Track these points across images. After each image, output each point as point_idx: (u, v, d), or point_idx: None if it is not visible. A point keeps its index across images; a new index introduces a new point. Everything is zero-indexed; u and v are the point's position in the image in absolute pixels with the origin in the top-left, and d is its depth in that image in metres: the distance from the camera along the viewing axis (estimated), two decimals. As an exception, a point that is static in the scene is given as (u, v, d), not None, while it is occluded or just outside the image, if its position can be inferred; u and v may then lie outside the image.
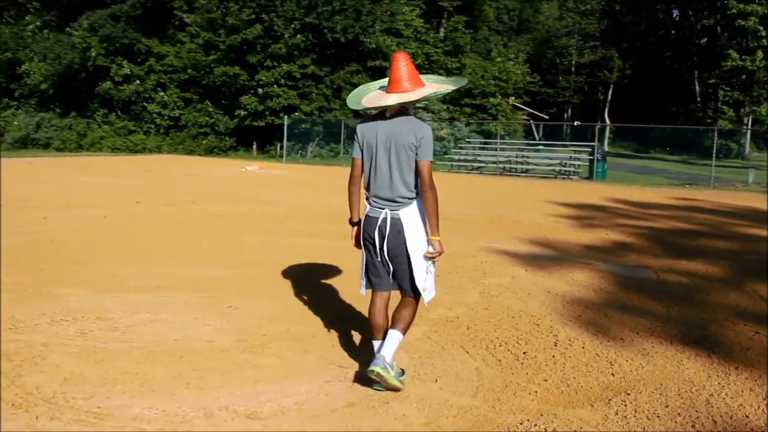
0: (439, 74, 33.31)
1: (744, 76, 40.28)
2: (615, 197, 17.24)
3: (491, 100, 38.87)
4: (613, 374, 4.37)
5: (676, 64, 56.22)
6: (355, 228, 4.20)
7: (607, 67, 56.22)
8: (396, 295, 4.17)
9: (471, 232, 10.41)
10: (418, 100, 3.94)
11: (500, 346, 4.90)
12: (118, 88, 34.75)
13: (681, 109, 57.40)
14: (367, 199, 4.04)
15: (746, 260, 8.65)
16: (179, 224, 10.41)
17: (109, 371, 4.14)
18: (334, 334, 5.03)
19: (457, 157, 29.14)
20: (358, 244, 4.20)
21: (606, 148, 35.79)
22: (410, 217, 3.94)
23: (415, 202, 3.96)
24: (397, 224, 3.92)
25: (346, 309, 5.77)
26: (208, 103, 34.44)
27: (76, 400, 3.72)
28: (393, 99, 3.85)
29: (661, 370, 4.47)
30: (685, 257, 8.68)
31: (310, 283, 6.72)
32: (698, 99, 54.36)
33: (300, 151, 33.19)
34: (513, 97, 40.82)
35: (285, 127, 31.13)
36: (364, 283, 4.17)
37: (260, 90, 32.23)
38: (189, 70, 34.69)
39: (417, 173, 3.91)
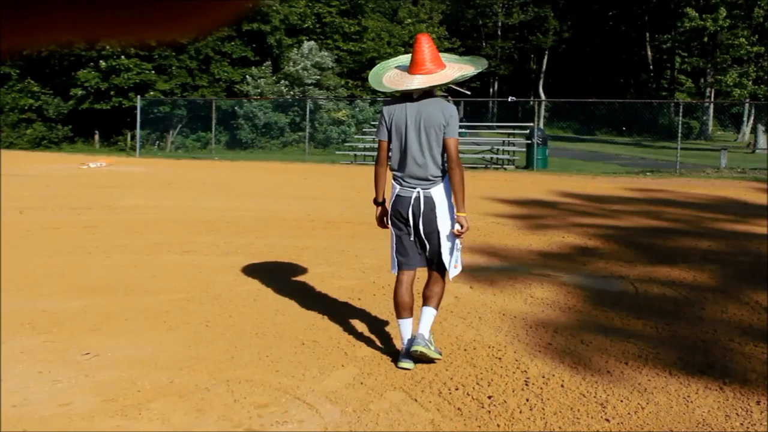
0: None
1: (705, 39, 41.95)
2: (564, 190, 17.53)
3: (401, 72, 39.09)
4: (607, 420, 4.26)
5: (623, 25, 58.17)
6: (380, 208, 5.27)
7: (541, 30, 57.57)
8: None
9: (393, 239, 10.26)
10: (444, 84, 4.90)
11: (456, 389, 4.73)
12: None
13: (630, 79, 59.51)
14: (394, 179, 5.06)
15: (739, 263, 8.85)
16: (3, 241, 9.82)
17: None
18: (234, 383, 4.74)
19: (360, 145, 29.08)
20: (381, 224, 5.31)
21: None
22: (441, 195, 4.99)
23: (445, 180, 5.02)
24: (429, 202, 4.96)
25: (246, 349, 5.48)
26: (32, 81, 33.13)
27: None
28: (418, 81, 4.83)
29: (667, 410, 4.40)
30: (665, 263, 8.80)
31: (193, 315, 6.39)
32: (651, 67, 56.40)
33: (158, 142, 32.41)
34: (427, 68, 41.18)
35: (138, 111, 30.23)
36: (395, 263, 5.18)
37: (103, 63, 31.26)
38: (4, 38, 33.25)
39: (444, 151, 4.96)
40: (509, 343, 5.73)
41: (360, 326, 6.10)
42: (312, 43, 35.02)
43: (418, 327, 5.13)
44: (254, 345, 5.57)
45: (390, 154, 5.06)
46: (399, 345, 5.54)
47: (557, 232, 10.97)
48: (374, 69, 5.24)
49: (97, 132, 33.77)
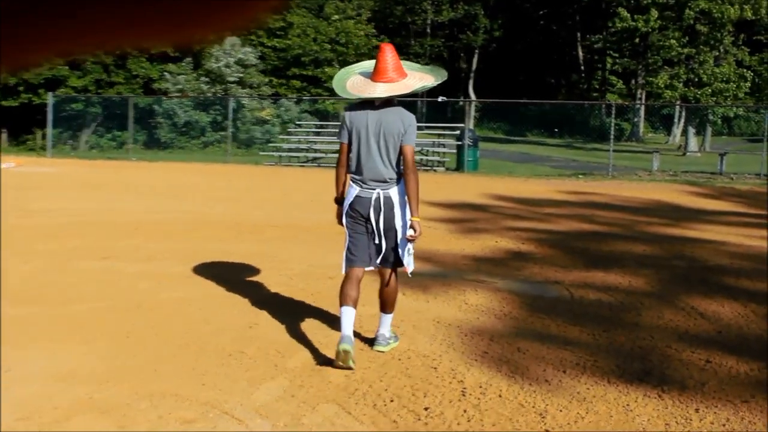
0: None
1: (636, 40, 42.80)
2: (496, 193, 17.67)
3: (327, 70, 38.93)
4: (547, 430, 4.30)
5: (554, 25, 58.97)
6: (340, 207, 5.66)
7: (471, 28, 58.02)
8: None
9: (321, 244, 10.23)
10: (406, 93, 5.48)
11: (391, 401, 4.73)
12: None
13: (562, 80, 60.41)
14: (354, 181, 5.52)
15: (673, 268, 9.04)
16: None
17: None
18: (158, 398, 4.65)
19: (285, 146, 28.97)
20: (341, 222, 5.67)
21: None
22: (398, 196, 5.50)
23: (401, 183, 5.51)
24: (389, 202, 5.46)
25: (170, 361, 5.39)
26: (-66, 76, 32.22)
27: None
28: (381, 90, 5.35)
29: (606, 420, 4.46)
30: (600, 267, 8.94)
31: (113, 325, 6.27)
32: (582, 68, 57.31)
33: (71, 141, 31.76)
34: (355, 67, 41.11)
35: (49, 109, 29.60)
36: (346, 260, 5.61)
37: (11, 57, 30.53)
38: None
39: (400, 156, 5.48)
40: (444, 351, 5.74)
41: (289, 336, 6.05)
42: (234, 38, 34.70)
43: (378, 329, 5.75)
44: (179, 357, 5.49)
45: (350, 157, 5.53)
46: (331, 354, 5.53)
47: (490, 236, 11.05)
48: (338, 74, 5.76)
49: (4, 130, 32.99)
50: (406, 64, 5.61)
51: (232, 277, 8.10)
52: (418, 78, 5.54)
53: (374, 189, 5.45)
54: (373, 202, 5.44)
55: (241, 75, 33.78)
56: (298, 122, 33.04)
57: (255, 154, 29.66)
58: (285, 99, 34.86)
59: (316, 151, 28.27)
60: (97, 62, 32.14)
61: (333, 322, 6.46)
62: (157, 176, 21.33)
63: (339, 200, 5.70)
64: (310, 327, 6.30)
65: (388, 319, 5.76)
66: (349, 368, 5.18)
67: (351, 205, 5.51)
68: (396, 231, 5.49)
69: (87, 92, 31.84)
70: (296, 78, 38.49)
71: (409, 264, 5.63)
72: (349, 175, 5.60)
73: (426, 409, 4.59)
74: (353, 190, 5.51)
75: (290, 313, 6.72)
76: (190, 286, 7.66)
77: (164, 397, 4.66)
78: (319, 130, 31.91)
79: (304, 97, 35.79)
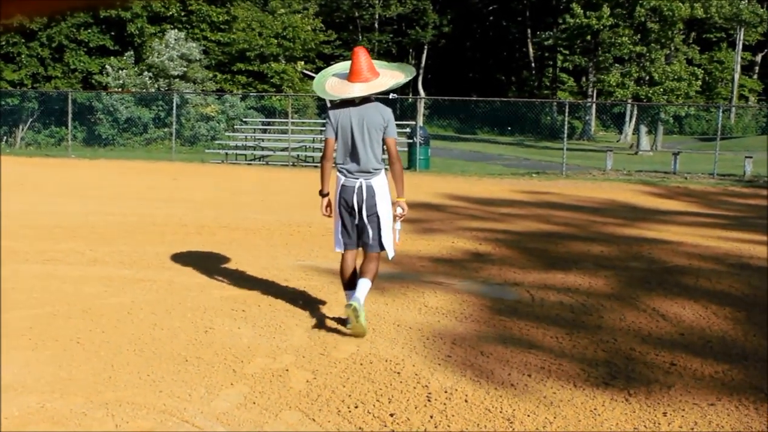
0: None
1: (588, 37, 43.20)
2: (449, 192, 17.74)
3: (273, 65, 38.82)
4: (516, 436, 4.32)
5: (504, 21, 59.39)
6: (325, 199, 6.37)
7: (420, 23, 58.22)
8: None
9: (273, 245, 10.19)
10: (381, 91, 6.11)
11: (356, 407, 4.72)
12: None
13: (512, 77, 60.87)
14: (340, 171, 6.24)
15: (631, 269, 9.13)
16: None
17: None
18: (114, 407, 4.59)
19: (232, 143, 28.77)
20: (327, 213, 6.39)
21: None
22: (381, 185, 6.25)
23: (382, 172, 6.29)
24: (371, 190, 6.20)
25: (123, 368, 5.32)
26: None
27: None
28: (358, 89, 6.07)
29: (575, 424, 4.49)
30: (559, 268, 9.01)
31: (61, 331, 6.17)
32: (532, 65, 57.80)
33: (6, 138, 31.22)
34: (302, 62, 41.04)
35: (-17, 104, 29.18)
36: (341, 243, 6.38)
37: (-58, 49, 29.96)
38: None
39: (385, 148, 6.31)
40: (407, 355, 5.75)
41: (246, 340, 6.01)
42: (176, 32, 34.30)
43: (355, 293, 6.09)
44: (133, 363, 5.42)
45: (335, 151, 6.21)
46: (290, 359, 5.52)
47: (446, 237, 11.08)
48: (316, 78, 6.50)
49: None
50: (376, 63, 6.29)
51: (182, 280, 8.02)
52: (390, 76, 6.24)
53: (357, 178, 6.17)
54: (356, 191, 6.15)
55: (185, 70, 33.44)
56: (244, 119, 32.86)
57: (200, 151, 29.43)
58: (230, 95, 34.63)
59: (263, 148, 28.11)
60: (33, 55, 31.58)
61: (290, 325, 6.45)
62: (99, 175, 21.03)
63: (323, 194, 6.34)
64: (267, 331, 6.27)
65: (366, 285, 6.17)
66: (361, 334, 6.08)
67: (340, 193, 6.23)
68: (378, 216, 6.20)
69: (23, 86, 31.29)
70: (241, 73, 38.22)
71: (397, 238, 6.41)
72: (336, 166, 6.29)
73: (392, 415, 4.59)
74: (340, 180, 6.25)
75: (245, 316, 6.68)
76: (138, 291, 7.57)
77: (120, 406, 4.60)
78: (266, 127, 31.76)
79: (250, 93, 35.56)
